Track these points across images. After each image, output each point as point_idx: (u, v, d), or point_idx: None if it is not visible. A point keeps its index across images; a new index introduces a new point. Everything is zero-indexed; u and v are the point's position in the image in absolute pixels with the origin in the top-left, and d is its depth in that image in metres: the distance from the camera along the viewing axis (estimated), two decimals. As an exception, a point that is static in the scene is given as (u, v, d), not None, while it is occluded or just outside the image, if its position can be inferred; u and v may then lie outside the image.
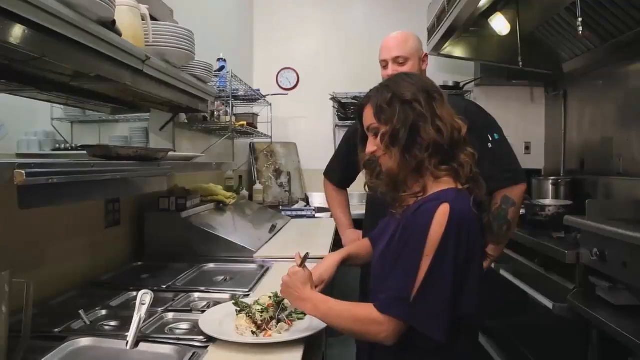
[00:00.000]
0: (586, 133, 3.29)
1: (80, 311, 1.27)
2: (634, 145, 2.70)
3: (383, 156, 1.13)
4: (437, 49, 3.56)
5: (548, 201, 2.91)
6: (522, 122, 4.01)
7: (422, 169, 1.09)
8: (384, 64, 1.86)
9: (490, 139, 1.77)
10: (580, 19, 2.14)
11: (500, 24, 3.12)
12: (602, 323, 1.66)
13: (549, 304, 2.01)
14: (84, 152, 1.38)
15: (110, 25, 1.16)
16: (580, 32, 2.17)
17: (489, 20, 3.11)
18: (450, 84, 3.90)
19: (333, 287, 1.56)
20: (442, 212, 1.00)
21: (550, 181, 3.17)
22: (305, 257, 1.25)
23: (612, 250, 1.70)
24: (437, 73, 3.93)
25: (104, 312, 1.36)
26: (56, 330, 1.18)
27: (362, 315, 1.05)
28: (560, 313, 1.94)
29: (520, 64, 3.09)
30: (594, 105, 3.18)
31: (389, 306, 1.00)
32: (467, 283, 1.02)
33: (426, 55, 1.90)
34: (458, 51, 3.63)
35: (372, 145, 1.16)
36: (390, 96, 1.11)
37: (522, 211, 2.34)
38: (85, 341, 1.14)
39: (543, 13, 3.00)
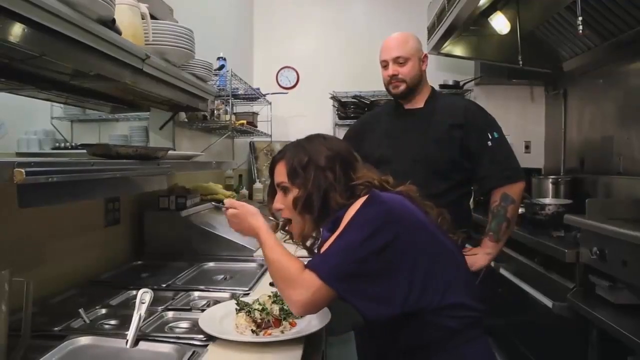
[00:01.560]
0: (586, 132, 3.28)
1: (80, 310, 1.27)
2: (634, 144, 2.70)
3: (293, 218, 1.18)
4: (437, 48, 3.56)
5: (548, 200, 2.91)
6: (522, 121, 4.01)
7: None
8: (385, 64, 1.87)
9: (490, 137, 1.79)
10: (580, 18, 2.14)
11: (500, 23, 3.12)
12: (602, 322, 1.66)
13: (548, 302, 2.01)
14: (84, 151, 1.38)
15: (110, 24, 1.15)
16: (581, 31, 2.17)
17: (489, 19, 3.11)
18: (450, 82, 3.90)
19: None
20: (362, 199, 1.07)
21: (550, 180, 3.17)
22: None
23: (612, 249, 1.70)
24: (437, 72, 3.93)
25: (103, 310, 1.36)
26: (56, 329, 1.19)
27: (294, 269, 1.04)
28: (560, 312, 1.94)
29: (521, 62, 3.09)
30: (594, 104, 3.18)
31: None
32: (414, 263, 1.00)
33: (426, 56, 1.90)
34: (458, 50, 3.63)
35: (280, 203, 1.19)
36: (307, 160, 1.14)
37: (521, 210, 2.35)
38: (85, 340, 1.14)
39: (543, 12, 3.00)
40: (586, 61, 3.11)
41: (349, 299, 0.99)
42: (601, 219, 1.83)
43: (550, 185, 3.15)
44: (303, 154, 1.15)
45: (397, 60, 1.83)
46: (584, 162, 3.28)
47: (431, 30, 3.54)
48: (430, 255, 1.03)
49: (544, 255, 2.19)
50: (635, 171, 2.68)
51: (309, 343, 1.17)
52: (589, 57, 3.06)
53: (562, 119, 3.59)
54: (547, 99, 3.98)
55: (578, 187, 3.08)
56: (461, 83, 3.91)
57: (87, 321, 1.25)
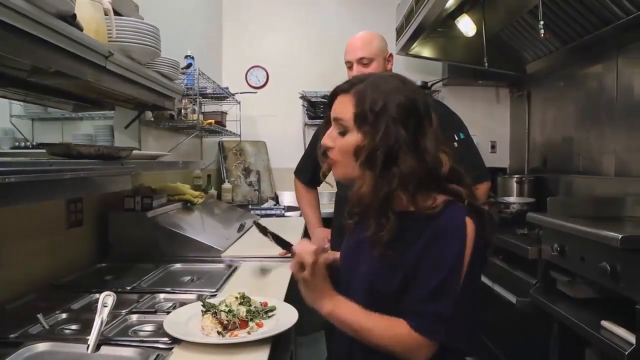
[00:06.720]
0: (549, 132, 3.39)
1: (38, 315, 1.22)
2: (593, 144, 2.81)
3: (342, 162, 1.03)
4: (405, 49, 3.60)
5: (512, 199, 3.00)
6: (488, 121, 4.11)
7: (391, 200, 0.98)
8: (349, 65, 1.87)
9: (456, 138, 1.81)
10: (542, 22, 2.21)
11: (466, 25, 3.19)
12: (562, 316, 1.72)
13: (512, 298, 2.06)
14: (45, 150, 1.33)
15: (71, 19, 1.12)
16: (542, 34, 2.24)
17: (455, 21, 3.17)
18: (419, 83, 3.96)
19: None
20: (470, 230, 0.96)
21: (515, 179, 3.26)
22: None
23: (571, 246, 1.76)
24: (406, 73, 3.86)
25: (64, 315, 1.31)
26: (12, 335, 1.14)
27: (403, 334, 0.95)
28: (523, 307, 2.00)
29: (486, 64, 3.17)
30: (556, 106, 3.29)
31: (438, 331, 0.94)
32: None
33: (391, 55, 1.91)
34: (426, 51, 3.68)
35: (331, 141, 1.03)
36: (382, 106, 0.96)
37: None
38: (43, 346, 1.09)
39: (507, 15, 3.08)
40: (548, 64, 3.21)
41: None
42: (562, 217, 1.90)
43: (515, 184, 3.24)
44: (379, 97, 0.96)
45: (361, 61, 1.83)
46: (547, 161, 3.39)
47: (400, 31, 3.58)
48: None
49: (509, 252, 2.25)
50: (593, 170, 2.78)
51: (277, 343, 1.17)
52: (551, 60, 3.15)
53: (526, 119, 3.70)
54: (512, 100, 4.09)
55: (541, 186, 3.18)
56: (429, 84, 3.97)
57: (46, 327, 1.20)
